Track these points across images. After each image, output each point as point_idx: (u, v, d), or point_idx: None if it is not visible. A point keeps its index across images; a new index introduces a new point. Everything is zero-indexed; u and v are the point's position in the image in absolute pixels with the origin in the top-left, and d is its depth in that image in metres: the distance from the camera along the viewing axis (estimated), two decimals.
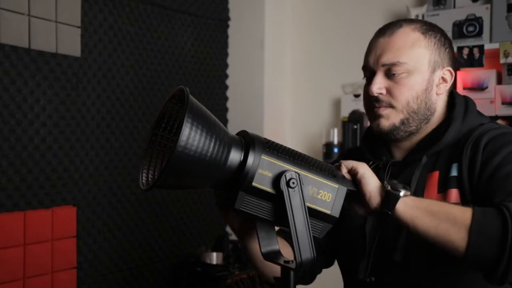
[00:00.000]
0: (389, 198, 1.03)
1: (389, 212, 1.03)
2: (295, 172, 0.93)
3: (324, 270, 1.48)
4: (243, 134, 0.97)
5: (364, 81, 1.34)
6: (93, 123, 2.59)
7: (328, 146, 3.05)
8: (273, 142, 0.97)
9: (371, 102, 1.27)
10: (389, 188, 1.04)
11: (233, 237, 3.18)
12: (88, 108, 2.57)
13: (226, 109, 3.35)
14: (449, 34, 2.66)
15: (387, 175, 1.29)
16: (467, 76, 2.63)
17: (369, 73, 1.29)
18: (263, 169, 0.92)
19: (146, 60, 2.86)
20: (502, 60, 2.54)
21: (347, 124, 3.02)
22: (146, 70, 2.86)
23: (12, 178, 2.27)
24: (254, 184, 0.92)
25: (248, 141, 0.93)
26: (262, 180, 0.92)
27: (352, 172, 1.05)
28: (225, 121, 3.34)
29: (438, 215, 1.02)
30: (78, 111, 2.52)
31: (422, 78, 1.25)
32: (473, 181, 1.17)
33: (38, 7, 2.34)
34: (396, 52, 1.24)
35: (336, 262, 1.48)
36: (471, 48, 2.61)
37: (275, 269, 1.16)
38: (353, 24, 3.15)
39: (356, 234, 1.32)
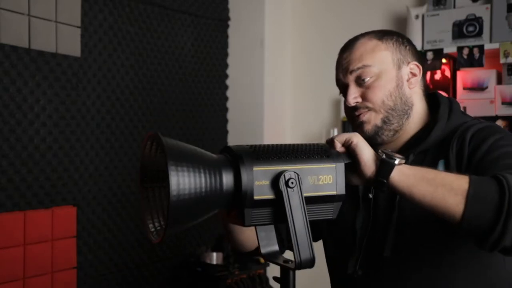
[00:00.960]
0: (384, 166, 1.03)
1: (385, 181, 1.03)
2: (294, 171, 0.93)
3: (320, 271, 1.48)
4: (227, 151, 0.96)
5: None
6: (93, 123, 2.59)
7: None
8: (259, 148, 0.96)
9: (352, 112, 1.32)
10: (384, 156, 1.04)
11: None
12: (88, 108, 2.57)
13: (226, 109, 3.35)
14: (449, 34, 2.66)
15: None
16: (467, 76, 2.63)
17: (343, 88, 1.35)
18: (259, 180, 0.92)
19: (146, 60, 2.86)
20: (502, 60, 2.54)
21: (347, 124, 3.02)
22: (146, 70, 2.86)
23: (12, 178, 2.27)
24: (256, 197, 0.91)
25: (235, 158, 0.92)
26: (262, 191, 0.92)
27: (346, 144, 1.06)
28: (225, 121, 3.34)
29: (434, 182, 1.02)
30: (78, 111, 2.52)
31: (390, 77, 1.30)
32: (461, 172, 1.18)
33: (38, 7, 2.34)
34: (360, 58, 1.31)
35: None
36: (471, 48, 2.61)
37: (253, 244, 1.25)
38: (353, 24, 3.15)
39: (346, 230, 1.34)
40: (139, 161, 0.94)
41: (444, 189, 1.01)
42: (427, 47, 2.73)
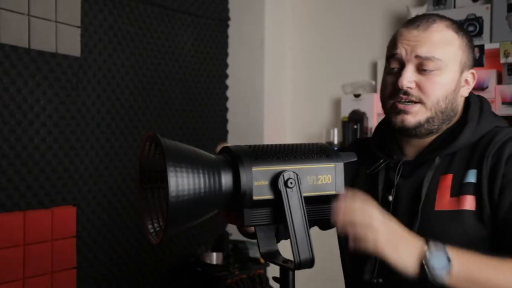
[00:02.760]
0: (432, 273, 1.00)
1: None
2: (293, 171, 0.93)
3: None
4: (226, 151, 0.96)
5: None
6: (93, 123, 2.59)
7: None
8: (257, 148, 0.96)
9: (396, 94, 1.22)
10: (429, 269, 1.00)
11: (233, 237, 3.18)
12: (88, 108, 2.57)
13: (226, 109, 3.35)
14: None
15: (398, 174, 1.27)
16: None
17: (398, 64, 1.24)
18: (258, 180, 0.92)
19: (146, 60, 2.86)
20: (502, 60, 2.54)
21: (347, 124, 3.02)
22: (146, 70, 2.86)
23: (12, 178, 2.27)
24: (255, 198, 0.91)
25: (234, 158, 0.92)
26: (261, 191, 0.92)
27: (357, 238, 0.99)
28: (225, 121, 3.34)
29: (486, 285, 1.02)
30: (78, 111, 2.52)
31: (452, 78, 1.23)
32: (493, 195, 1.15)
33: (38, 7, 2.34)
34: (433, 46, 1.20)
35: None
36: None
37: None
38: (353, 24, 3.15)
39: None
40: (138, 162, 0.94)
41: None
42: None
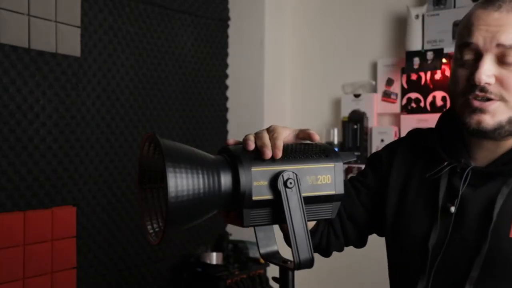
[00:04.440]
0: None
1: None
2: (292, 172, 0.93)
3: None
4: (225, 151, 0.96)
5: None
6: (93, 123, 2.59)
7: None
8: (257, 148, 0.96)
9: (471, 90, 1.02)
10: None
11: (233, 237, 3.18)
12: (88, 108, 2.57)
13: (226, 109, 3.35)
14: (449, 34, 2.66)
15: (464, 184, 1.06)
16: None
17: (473, 55, 1.03)
18: (258, 181, 0.92)
19: (146, 60, 2.86)
20: None
21: (347, 124, 3.02)
22: (146, 70, 2.86)
23: (12, 178, 2.27)
24: (254, 198, 0.91)
25: (233, 159, 0.92)
26: (261, 191, 0.92)
27: None
28: (225, 121, 3.34)
29: None
30: (78, 111, 2.52)
31: None
32: None
33: (38, 7, 2.34)
34: None
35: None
36: None
37: None
38: (353, 24, 3.15)
39: (417, 245, 1.10)
40: (138, 162, 0.94)
41: None
42: (427, 47, 2.73)
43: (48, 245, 2.38)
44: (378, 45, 3.03)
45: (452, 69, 1.09)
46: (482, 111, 1.01)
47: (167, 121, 2.98)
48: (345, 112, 3.07)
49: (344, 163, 1.00)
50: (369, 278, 2.77)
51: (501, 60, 1.00)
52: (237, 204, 0.92)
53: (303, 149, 0.98)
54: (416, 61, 2.77)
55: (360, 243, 1.29)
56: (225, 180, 0.90)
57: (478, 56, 1.02)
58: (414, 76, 2.86)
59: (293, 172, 0.93)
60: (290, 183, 0.92)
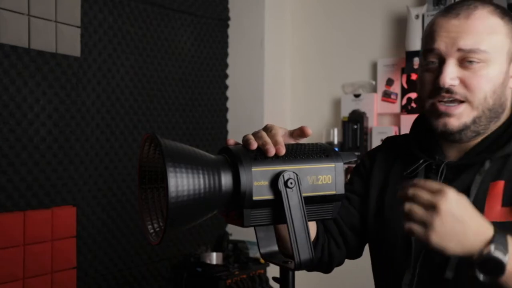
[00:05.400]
0: (488, 266, 0.89)
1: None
2: (293, 172, 0.93)
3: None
4: (225, 151, 0.96)
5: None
6: (93, 123, 2.59)
7: None
8: (257, 148, 0.95)
9: (437, 93, 1.09)
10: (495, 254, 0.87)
11: (233, 237, 3.18)
12: (88, 108, 2.57)
13: (226, 109, 3.35)
14: None
15: (441, 178, 1.13)
16: None
17: (436, 59, 1.10)
18: (258, 181, 0.92)
19: (146, 60, 2.86)
20: None
21: (347, 124, 3.02)
22: (146, 70, 2.86)
23: (12, 178, 2.27)
24: (255, 198, 0.91)
25: (234, 159, 0.92)
26: (261, 191, 0.92)
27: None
28: (225, 121, 3.34)
29: None
30: (78, 111, 2.52)
31: (499, 70, 1.08)
32: None
33: (38, 7, 2.34)
34: (476, 37, 1.06)
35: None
36: None
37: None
38: (353, 24, 3.15)
39: (400, 240, 1.16)
40: (138, 162, 0.94)
41: None
42: None
43: (48, 245, 2.38)
44: (378, 45, 3.03)
45: (419, 74, 1.16)
46: (448, 115, 1.08)
47: (167, 121, 2.98)
48: (345, 112, 3.07)
49: (345, 163, 1.00)
50: (370, 278, 2.76)
51: (462, 63, 1.07)
52: (237, 204, 0.92)
53: (303, 149, 0.98)
54: (416, 61, 2.77)
55: (359, 252, 1.33)
56: (226, 180, 0.90)
57: (442, 61, 1.09)
58: (414, 76, 2.86)
59: (293, 172, 0.93)
60: (291, 183, 0.92)
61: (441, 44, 1.09)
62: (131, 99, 2.78)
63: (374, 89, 3.03)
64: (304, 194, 0.93)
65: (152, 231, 0.92)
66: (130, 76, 2.77)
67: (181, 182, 0.84)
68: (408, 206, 0.91)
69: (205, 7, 3.18)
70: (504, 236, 0.90)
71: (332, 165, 0.98)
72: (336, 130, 3.09)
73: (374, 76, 3.05)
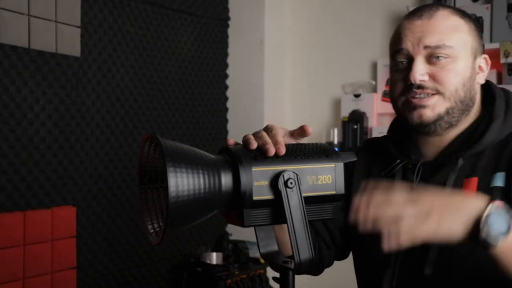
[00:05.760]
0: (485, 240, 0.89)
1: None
2: (293, 172, 0.93)
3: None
4: (225, 151, 0.96)
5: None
6: (93, 123, 2.59)
7: None
8: (257, 148, 0.95)
9: (409, 90, 1.14)
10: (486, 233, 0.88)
11: (233, 237, 3.18)
12: (88, 108, 2.57)
13: (226, 109, 3.35)
14: None
15: (417, 177, 1.18)
16: None
17: (405, 59, 1.15)
18: (258, 181, 0.92)
19: (146, 60, 2.86)
20: (502, 60, 2.54)
21: (347, 124, 3.02)
22: (146, 70, 2.86)
23: (12, 178, 2.27)
24: (255, 198, 0.91)
25: (234, 159, 0.92)
26: (261, 191, 0.92)
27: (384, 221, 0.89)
28: (225, 121, 3.34)
29: None
30: (78, 111, 2.52)
31: (466, 64, 1.14)
32: None
33: (38, 7, 2.34)
34: (441, 34, 1.12)
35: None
36: None
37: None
38: (353, 24, 3.15)
39: (379, 239, 1.22)
40: (138, 162, 0.94)
41: None
42: None
43: (48, 245, 2.38)
44: (378, 45, 3.03)
45: (390, 77, 1.21)
46: (422, 106, 1.13)
47: (167, 121, 2.98)
48: (345, 112, 3.07)
49: (345, 163, 1.00)
50: None
51: (430, 60, 1.13)
52: (237, 204, 0.92)
53: (303, 149, 0.98)
54: None
55: (346, 252, 1.36)
56: (226, 180, 0.90)
57: (410, 60, 1.14)
58: None
59: (293, 172, 0.93)
60: (291, 183, 0.92)
61: (408, 44, 1.14)
62: (131, 99, 2.78)
63: (374, 89, 3.03)
64: (304, 194, 0.93)
65: (152, 231, 0.92)
66: (130, 76, 2.77)
67: (181, 182, 0.84)
68: (381, 228, 0.90)
69: (205, 7, 3.18)
70: (497, 201, 0.91)
71: (332, 165, 0.98)
72: (336, 130, 3.09)
73: (374, 76, 3.05)
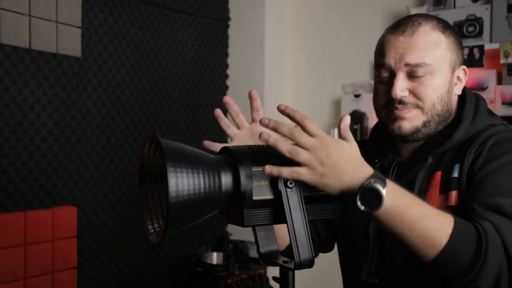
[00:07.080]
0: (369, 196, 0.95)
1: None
2: None
3: (324, 270, 1.48)
4: (225, 151, 0.96)
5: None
6: (94, 123, 2.60)
7: None
8: (257, 148, 0.96)
9: (391, 103, 1.22)
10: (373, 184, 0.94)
11: (233, 237, 3.18)
12: (89, 108, 2.57)
13: (226, 110, 3.35)
14: None
15: (392, 174, 1.27)
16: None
17: (388, 73, 1.24)
18: (258, 181, 0.92)
19: (146, 60, 2.86)
20: (502, 60, 2.54)
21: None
22: (146, 70, 2.86)
23: (13, 178, 2.27)
24: (255, 198, 0.92)
25: (234, 159, 0.93)
26: (261, 191, 0.92)
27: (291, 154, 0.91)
28: None
29: (415, 227, 0.99)
30: (78, 111, 2.52)
31: (444, 80, 1.22)
32: (469, 183, 1.15)
33: (39, 8, 2.34)
34: (421, 52, 1.19)
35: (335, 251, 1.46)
36: (471, 48, 2.61)
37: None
38: (353, 24, 3.15)
39: (359, 234, 1.29)
40: (138, 162, 0.95)
41: (421, 239, 0.99)
42: None
43: (49, 245, 2.38)
44: None
45: (374, 85, 1.29)
46: (401, 118, 1.22)
47: (167, 121, 2.98)
48: (345, 112, 3.08)
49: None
50: None
51: (410, 76, 1.20)
52: (237, 204, 0.92)
53: None
54: None
55: (330, 245, 1.45)
56: (226, 180, 0.90)
57: (392, 74, 1.22)
58: None
59: None
60: (291, 183, 0.92)
61: (390, 60, 1.22)
62: (132, 99, 2.78)
63: None
64: (304, 194, 0.94)
65: (152, 231, 0.93)
66: (130, 76, 2.78)
67: (181, 182, 0.84)
68: (288, 146, 0.92)
69: (205, 7, 3.19)
70: (382, 175, 0.97)
71: None
72: (336, 130, 3.09)
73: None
